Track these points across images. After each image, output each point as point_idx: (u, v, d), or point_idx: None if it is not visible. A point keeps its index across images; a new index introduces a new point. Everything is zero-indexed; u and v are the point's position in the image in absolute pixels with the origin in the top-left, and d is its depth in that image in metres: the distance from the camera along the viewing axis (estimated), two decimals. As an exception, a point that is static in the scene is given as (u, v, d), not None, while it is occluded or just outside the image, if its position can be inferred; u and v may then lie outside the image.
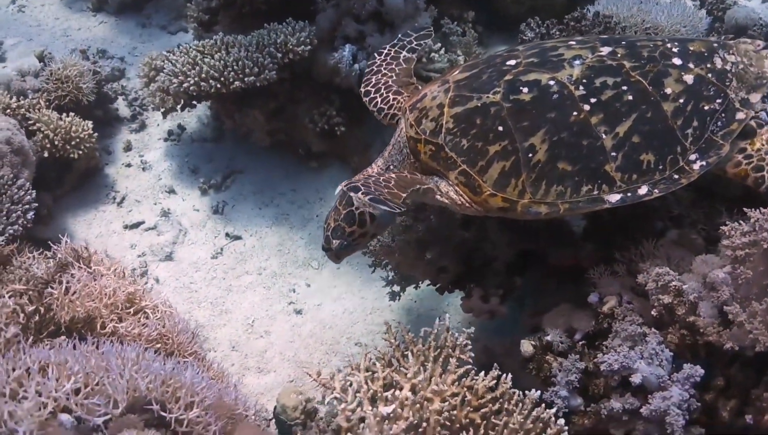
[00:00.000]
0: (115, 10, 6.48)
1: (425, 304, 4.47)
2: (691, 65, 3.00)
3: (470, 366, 2.53)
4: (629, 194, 2.81)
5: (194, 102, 4.92)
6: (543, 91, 2.90)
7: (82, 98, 4.96)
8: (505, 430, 2.36)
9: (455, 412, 2.38)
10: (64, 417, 2.06)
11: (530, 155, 2.82)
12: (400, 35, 3.81)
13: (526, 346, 2.96)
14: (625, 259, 3.12)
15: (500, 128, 2.86)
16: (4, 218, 3.64)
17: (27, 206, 3.82)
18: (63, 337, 2.60)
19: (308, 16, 4.79)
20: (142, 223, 4.93)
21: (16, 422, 1.92)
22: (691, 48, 3.08)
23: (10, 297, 2.65)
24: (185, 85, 4.36)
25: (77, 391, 2.11)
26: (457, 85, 3.04)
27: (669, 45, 3.08)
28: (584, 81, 2.91)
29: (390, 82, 3.49)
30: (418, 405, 2.37)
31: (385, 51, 3.71)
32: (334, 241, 3.05)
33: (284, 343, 4.29)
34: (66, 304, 2.65)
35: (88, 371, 2.17)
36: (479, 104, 2.93)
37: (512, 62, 3.05)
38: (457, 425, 2.38)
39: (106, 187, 5.16)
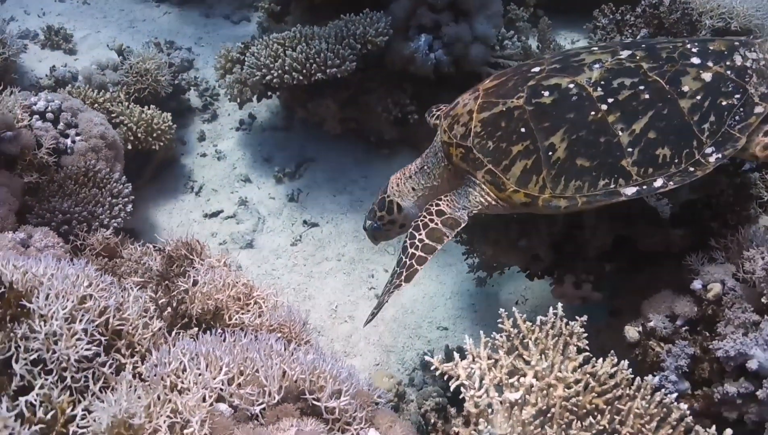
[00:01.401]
0: (178, 1, 6.57)
1: (504, 288, 4.57)
2: (710, 63, 3.09)
3: (588, 353, 2.62)
4: (645, 187, 2.95)
5: (269, 93, 5.02)
6: (563, 94, 3.06)
7: (161, 90, 5.09)
8: (631, 415, 2.44)
9: (580, 397, 2.46)
10: (222, 406, 2.19)
11: (550, 153, 2.99)
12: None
13: (632, 333, 3.05)
14: (721, 245, 3.20)
15: (523, 130, 3.04)
16: (108, 211, 3.78)
17: (126, 199, 3.95)
18: (195, 329, 2.72)
19: (379, 6, 4.85)
20: (221, 211, 5.06)
21: (189, 413, 2.05)
22: (711, 47, 3.17)
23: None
24: (268, 77, 4.45)
25: (230, 381, 2.24)
26: (485, 92, 3.22)
27: (689, 46, 3.18)
28: (602, 83, 3.05)
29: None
30: (543, 391, 2.46)
31: None
32: (367, 221, 3.47)
33: (368, 328, 4.40)
34: (197, 297, 2.77)
35: (238, 361, 2.30)
36: (504, 109, 3.11)
37: (536, 69, 3.20)
38: (583, 410, 2.47)
39: (183, 177, 5.29)
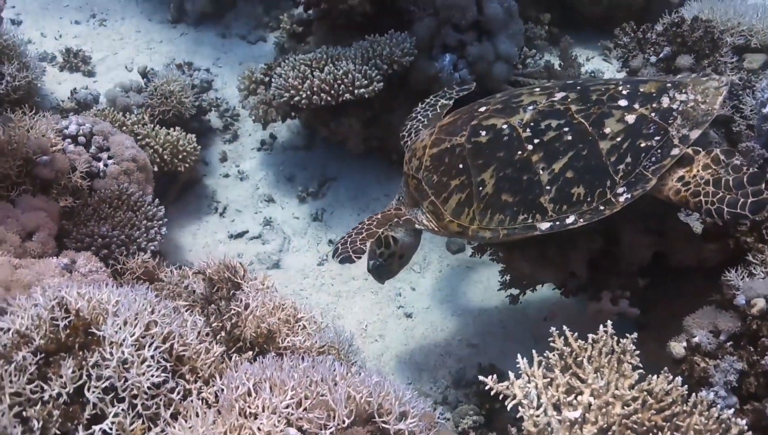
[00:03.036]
0: (194, 21, 6.61)
1: (531, 305, 4.58)
2: (636, 106, 3.27)
3: (642, 370, 2.64)
4: (558, 223, 3.19)
5: (293, 113, 5.05)
6: (497, 134, 3.33)
7: (185, 112, 5.11)
8: (690, 432, 2.46)
9: (639, 415, 2.48)
10: (292, 431, 2.20)
11: (481, 188, 3.29)
12: (446, 89, 4.31)
13: (678, 349, 3.07)
14: (758, 260, 3.23)
15: (461, 165, 3.35)
16: (144, 235, 3.79)
17: (161, 222, 3.96)
18: (250, 353, 2.73)
19: (401, 26, 4.90)
20: (246, 232, 5.07)
21: (264, 437, 2.06)
22: (642, 89, 3.34)
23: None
24: (296, 98, 4.49)
25: (297, 405, 2.25)
26: (440, 129, 3.53)
27: (620, 88, 3.36)
28: (532, 124, 3.30)
29: (420, 127, 3.97)
30: (602, 409, 2.48)
31: (427, 100, 4.21)
32: (370, 262, 3.69)
33: (399, 346, 4.42)
34: (251, 320, 2.78)
35: (303, 385, 2.31)
36: (449, 145, 3.42)
37: (482, 109, 3.48)
38: (644, 428, 2.48)
39: (206, 197, 5.30)
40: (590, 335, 2.77)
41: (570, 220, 3.18)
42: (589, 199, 3.17)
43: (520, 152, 3.27)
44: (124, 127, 4.63)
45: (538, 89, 3.53)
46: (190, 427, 2.06)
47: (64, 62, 6.01)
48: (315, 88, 4.43)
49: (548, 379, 2.65)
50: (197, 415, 2.13)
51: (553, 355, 2.76)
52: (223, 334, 2.78)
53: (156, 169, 4.75)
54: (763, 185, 3.04)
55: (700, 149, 3.22)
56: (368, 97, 4.53)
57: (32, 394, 2.03)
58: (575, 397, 2.55)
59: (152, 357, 2.19)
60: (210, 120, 5.75)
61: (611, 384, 2.59)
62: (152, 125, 4.89)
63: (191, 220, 5.15)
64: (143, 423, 2.11)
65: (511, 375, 2.67)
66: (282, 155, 5.57)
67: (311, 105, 4.50)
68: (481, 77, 4.79)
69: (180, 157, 4.83)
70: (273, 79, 4.65)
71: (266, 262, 4.86)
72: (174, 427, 2.10)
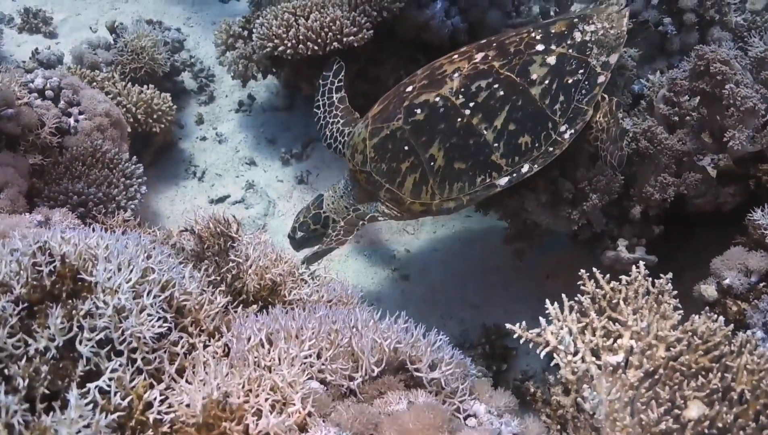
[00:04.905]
0: (162, -20, 6.23)
1: (532, 264, 4.38)
2: (553, 47, 3.37)
3: (682, 310, 2.45)
4: (515, 175, 3.26)
5: (274, 69, 4.75)
6: (432, 108, 3.36)
7: (158, 69, 4.78)
8: (744, 372, 2.28)
9: (687, 357, 2.29)
10: (314, 383, 1.94)
11: (432, 164, 3.32)
12: (320, 80, 4.16)
13: (710, 291, 2.90)
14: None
15: (406, 147, 3.37)
16: (123, 193, 3.49)
17: (140, 180, 3.66)
18: (254, 307, 2.46)
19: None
20: (228, 196, 4.79)
21: (289, 389, 1.80)
22: (553, 30, 3.43)
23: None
24: (281, 48, 4.19)
25: (317, 357, 2.00)
26: (373, 119, 3.54)
27: (533, 34, 3.44)
28: (462, 90, 3.35)
29: (340, 127, 3.97)
30: (646, 353, 2.28)
31: (320, 102, 4.12)
32: (299, 233, 3.70)
33: (397, 310, 4.16)
34: (254, 271, 2.51)
35: (321, 334, 2.06)
36: (388, 132, 3.42)
37: (410, 88, 3.50)
38: (692, 370, 2.29)
39: (183, 161, 4.99)
40: (623, 277, 2.57)
41: (525, 168, 3.25)
42: (537, 145, 3.25)
43: (459, 119, 3.30)
44: (94, 84, 4.28)
45: (456, 56, 3.58)
46: (201, 381, 1.79)
47: (23, 23, 5.60)
48: (301, 37, 4.14)
49: (582, 324, 2.45)
50: (206, 369, 1.86)
51: (585, 298, 2.56)
52: (223, 287, 2.50)
53: (129, 130, 4.42)
54: (625, 142, 3.32)
55: (605, 96, 3.35)
56: (357, 46, 4.24)
57: (15, 350, 1.74)
58: (614, 341, 2.35)
59: (151, 305, 1.91)
60: (183, 81, 5.42)
61: (652, 326, 2.40)
62: (123, 83, 4.55)
63: (168, 186, 4.83)
64: (145, 379, 1.83)
65: (543, 321, 2.46)
66: (262, 116, 5.27)
67: (296, 55, 4.20)
68: (473, 25, 4.54)
69: (155, 117, 4.51)
70: (254, 29, 4.34)
71: (251, 227, 4.58)
72: (181, 383, 1.83)
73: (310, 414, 1.77)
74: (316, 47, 4.18)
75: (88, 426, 1.64)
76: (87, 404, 1.68)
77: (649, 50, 4.39)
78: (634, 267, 2.58)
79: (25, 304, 1.81)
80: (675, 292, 2.52)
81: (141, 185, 3.65)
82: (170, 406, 1.78)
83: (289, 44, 4.17)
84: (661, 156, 3.23)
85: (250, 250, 2.63)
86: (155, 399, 1.79)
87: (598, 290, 2.56)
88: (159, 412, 1.77)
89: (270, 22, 4.22)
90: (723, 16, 4.22)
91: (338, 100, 4.11)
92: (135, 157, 4.11)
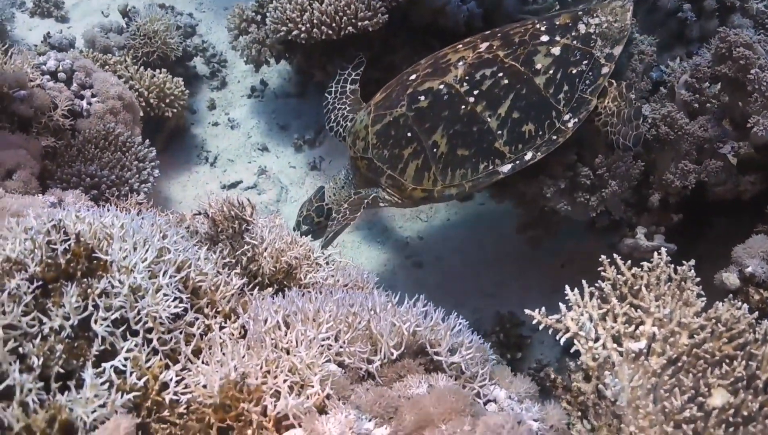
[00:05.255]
0: (174, -35, 6.17)
1: (546, 253, 4.33)
2: (557, 38, 3.41)
3: (704, 297, 2.40)
4: (518, 162, 3.28)
5: (287, 54, 4.70)
6: (436, 95, 3.39)
7: (170, 54, 4.74)
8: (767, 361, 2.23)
9: (710, 344, 2.24)
10: (332, 366, 1.91)
11: (435, 150, 3.34)
12: (338, 70, 4.28)
13: (732, 279, 2.85)
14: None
15: (409, 134, 3.38)
16: (137, 176, 3.46)
17: (153, 163, 3.63)
18: (270, 289, 2.43)
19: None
20: (240, 182, 4.75)
21: (308, 370, 1.77)
22: (557, 22, 3.48)
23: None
24: (295, 32, 4.14)
25: (335, 339, 1.96)
26: (375, 106, 3.56)
27: (538, 25, 3.48)
28: (467, 78, 3.37)
29: (345, 113, 4.02)
30: (668, 339, 2.23)
31: (333, 89, 4.19)
32: (303, 226, 3.77)
33: (410, 297, 4.15)
34: (270, 253, 2.47)
35: (339, 317, 2.02)
36: (391, 119, 3.44)
37: (413, 77, 3.53)
38: (715, 358, 2.24)
39: (195, 147, 4.96)
40: (644, 263, 2.53)
41: (528, 156, 3.27)
42: (540, 133, 3.27)
43: (463, 106, 3.33)
44: (107, 67, 4.25)
45: (460, 45, 3.60)
46: (219, 361, 1.76)
47: (35, 7, 5.57)
48: (315, 21, 4.09)
49: (603, 310, 2.41)
50: (223, 350, 1.83)
51: (606, 284, 2.51)
52: (238, 269, 2.46)
53: (141, 114, 4.39)
54: (641, 120, 3.27)
55: (614, 81, 3.38)
56: (371, 31, 4.19)
57: (29, 328, 1.71)
58: (636, 328, 2.31)
59: (167, 285, 1.88)
60: (195, 66, 5.38)
61: (675, 312, 2.35)
62: (136, 67, 4.51)
63: (180, 171, 4.80)
64: (161, 360, 1.80)
65: (562, 307, 2.41)
66: (274, 103, 5.23)
67: (310, 39, 4.15)
68: (489, 11, 4.48)
69: (167, 101, 4.47)
70: (268, 13, 4.29)
71: (264, 213, 4.53)
72: (198, 363, 1.80)
73: (328, 396, 1.74)
74: (330, 31, 4.13)
75: (103, 405, 1.61)
76: (102, 384, 1.65)
77: (667, 37, 4.32)
78: (656, 253, 2.53)
79: (40, 283, 1.79)
80: (698, 279, 2.48)
81: (154, 169, 3.62)
82: (186, 386, 1.76)
83: (303, 28, 4.12)
84: (682, 142, 3.17)
85: (266, 232, 2.60)
86: (171, 380, 1.76)
87: (619, 276, 2.51)
88: (175, 393, 1.74)
89: (284, 6, 4.17)
90: (744, 3, 4.15)
91: (350, 91, 4.17)
92: (147, 141, 4.08)
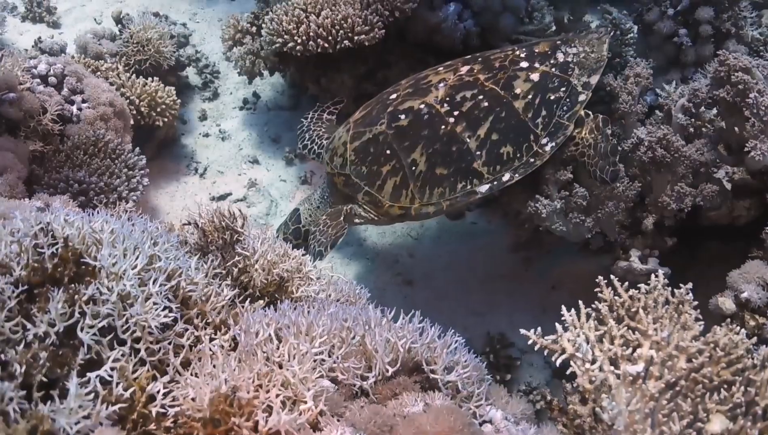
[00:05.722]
0: (169, -26, 6.14)
1: (538, 273, 4.30)
2: (536, 65, 3.50)
3: (702, 321, 2.37)
4: (495, 183, 3.33)
5: (281, 66, 4.67)
6: (416, 115, 3.42)
7: (163, 62, 4.68)
8: (765, 388, 2.20)
9: (709, 368, 2.21)
10: (325, 382, 1.85)
11: (414, 168, 3.36)
12: (318, 103, 4.40)
13: (728, 304, 2.82)
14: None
15: (388, 151, 3.40)
16: (126, 183, 3.39)
17: (142, 171, 3.57)
18: (261, 302, 2.37)
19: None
20: (230, 194, 4.69)
21: (301, 385, 1.71)
22: (537, 50, 3.58)
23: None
24: (290, 44, 4.11)
25: (328, 354, 1.91)
26: (355, 123, 3.58)
27: (518, 52, 3.58)
28: (447, 99, 3.42)
29: (321, 133, 4.10)
30: (666, 363, 2.20)
31: (309, 115, 4.28)
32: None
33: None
34: (261, 265, 2.42)
35: (332, 331, 1.97)
36: (371, 136, 3.46)
37: (394, 96, 3.58)
38: (714, 382, 2.21)
39: (185, 157, 4.90)
40: (641, 285, 2.50)
41: (506, 177, 3.32)
42: (518, 155, 3.32)
43: (443, 126, 3.36)
44: (98, 73, 4.19)
45: (441, 68, 3.66)
46: (209, 374, 1.70)
47: (27, 11, 5.51)
48: (311, 33, 4.06)
49: (600, 332, 2.37)
50: (213, 362, 1.77)
51: (603, 306, 2.48)
52: (228, 280, 2.40)
53: (132, 122, 4.33)
54: (617, 157, 3.34)
55: (590, 113, 3.46)
56: (367, 45, 4.17)
57: (12, 334, 1.64)
58: (633, 351, 2.27)
59: (157, 294, 1.82)
60: (188, 76, 5.33)
61: (673, 336, 2.32)
62: (128, 75, 4.45)
63: (169, 181, 4.73)
64: (148, 371, 1.73)
65: (559, 327, 2.37)
66: (266, 115, 5.19)
67: (306, 52, 4.12)
68: (486, 29, 4.47)
69: (158, 110, 4.41)
70: (264, 24, 4.26)
71: (253, 226, 4.47)
72: (187, 376, 1.74)
73: (322, 413, 1.68)
74: (326, 45, 4.10)
75: (87, 417, 1.55)
76: (87, 394, 1.58)
77: (663, 61, 4.34)
78: (653, 275, 2.50)
79: (25, 287, 1.72)
80: (695, 303, 2.45)
81: (143, 177, 3.56)
82: (174, 399, 1.69)
83: (299, 40, 4.09)
84: (678, 165, 3.16)
85: (258, 244, 2.54)
86: (158, 391, 1.70)
87: (616, 298, 2.48)
88: (162, 406, 1.67)
89: (280, 18, 4.14)
90: (739, 30, 4.18)
91: (326, 120, 4.28)
92: (138, 148, 4.01)
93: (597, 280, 2.53)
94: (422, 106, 3.43)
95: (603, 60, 3.50)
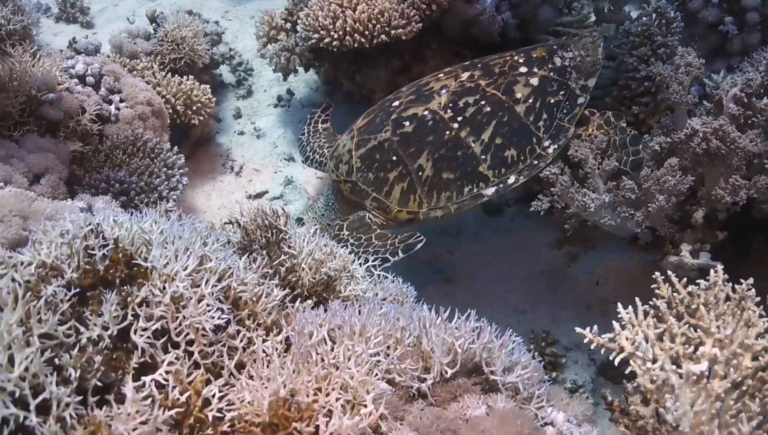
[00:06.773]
0: (201, -27, 6.14)
1: (581, 270, 4.21)
2: (535, 69, 3.61)
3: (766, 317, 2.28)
4: (501, 185, 3.44)
5: (316, 62, 4.63)
6: (420, 121, 3.51)
7: (198, 60, 4.66)
8: (838, 388, 2.10)
9: (776, 368, 2.12)
10: (383, 385, 1.79)
11: (420, 173, 3.44)
12: (309, 115, 4.56)
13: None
14: None
15: (394, 157, 3.49)
16: (165, 183, 3.37)
17: (181, 170, 3.55)
18: (309, 302, 2.32)
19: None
20: (266, 192, 4.66)
21: (361, 389, 1.66)
22: (534, 55, 3.69)
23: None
24: (327, 40, 4.06)
25: (384, 355, 1.85)
26: (359, 131, 3.67)
27: (516, 57, 3.69)
28: (450, 105, 3.52)
29: (321, 143, 4.23)
30: (732, 362, 2.11)
31: (305, 130, 4.42)
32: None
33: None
34: (309, 264, 2.37)
35: (386, 332, 1.91)
36: (376, 143, 3.55)
37: (396, 103, 3.66)
38: (782, 382, 2.12)
39: (221, 156, 4.88)
40: (700, 281, 2.41)
41: (511, 179, 3.42)
42: (522, 158, 3.42)
43: (448, 132, 3.45)
44: (135, 72, 4.18)
45: (441, 75, 3.75)
46: (266, 377, 1.65)
47: (60, 12, 5.54)
48: (348, 28, 4.01)
49: (660, 330, 2.29)
50: (268, 364, 1.72)
51: (661, 303, 2.39)
52: (276, 280, 2.36)
53: (168, 120, 4.32)
54: (641, 146, 3.43)
55: (596, 111, 3.60)
56: (404, 40, 4.11)
57: (66, 338, 1.61)
58: (695, 349, 2.18)
59: (210, 295, 1.78)
60: (222, 74, 5.31)
61: (737, 333, 2.23)
62: (163, 73, 4.44)
63: (205, 180, 4.72)
64: (203, 374, 1.69)
65: (616, 325, 2.29)
66: (300, 112, 5.15)
67: (342, 47, 4.07)
68: (524, 21, 4.39)
69: (194, 108, 4.39)
70: (299, 20, 4.22)
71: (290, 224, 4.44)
72: (243, 379, 1.69)
73: (382, 416, 1.62)
74: (363, 39, 4.05)
75: (145, 422, 1.51)
76: (143, 399, 1.54)
77: (707, 51, 4.21)
78: (712, 271, 2.41)
79: (77, 290, 1.69)
80: (758, 298, 2.36)
81: (183, 176, 3.54)
82: (230, 403, 1.65)
83: (336, 36, 4.04)
84: (733, 156, 3.05)
85: (304, 242, 2.50)
86: (214, 395, 1.65)
87: (675, 295, 2.39)
88: (219, 410, 1.63)
89: (316, 13, 4.10)
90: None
91: (322, 129, 4.41)
92: (176, 147, 3.99)
93: (654, 275, 2.44)
94: (426, 112, 3.52)
95: (599, 63, 3.61)
